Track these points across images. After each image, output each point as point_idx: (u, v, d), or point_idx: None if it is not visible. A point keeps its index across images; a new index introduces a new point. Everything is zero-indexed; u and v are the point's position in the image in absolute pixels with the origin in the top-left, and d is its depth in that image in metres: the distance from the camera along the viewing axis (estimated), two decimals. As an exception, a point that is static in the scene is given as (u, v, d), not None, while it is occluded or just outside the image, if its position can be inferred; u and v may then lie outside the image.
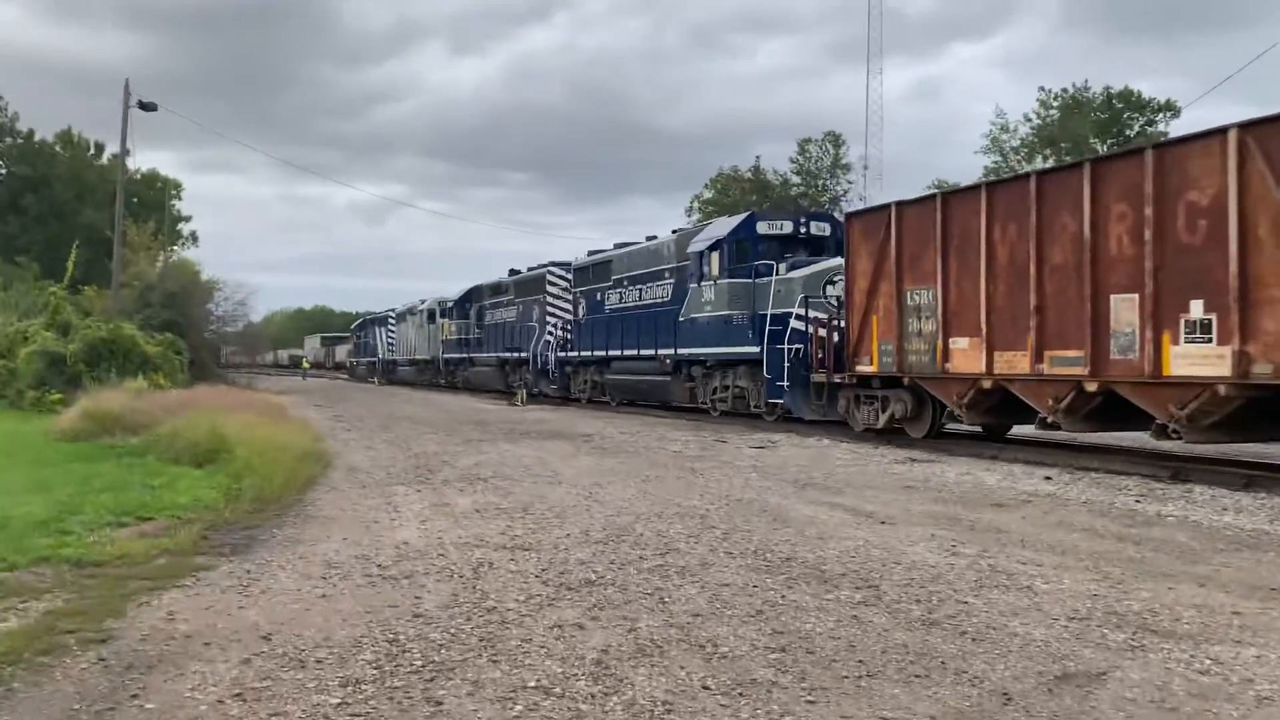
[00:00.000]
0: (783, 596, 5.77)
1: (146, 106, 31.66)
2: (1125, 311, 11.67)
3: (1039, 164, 46.13)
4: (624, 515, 8.56)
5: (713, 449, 14.71)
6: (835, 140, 60.54)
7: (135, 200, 56.17)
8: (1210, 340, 10.68)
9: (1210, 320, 10.69)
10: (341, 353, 75.97)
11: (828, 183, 60.73)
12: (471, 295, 39.88)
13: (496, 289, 36.75)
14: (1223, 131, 10.49)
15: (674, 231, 24.04)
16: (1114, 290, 11.81)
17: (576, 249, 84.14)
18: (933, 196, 14.87)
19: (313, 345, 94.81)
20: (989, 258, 13.61)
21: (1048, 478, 11.25)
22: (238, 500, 9.22)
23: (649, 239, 25.41)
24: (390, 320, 54.30)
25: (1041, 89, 59.95)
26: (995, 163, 52.74)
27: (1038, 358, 12.84)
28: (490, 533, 7.77)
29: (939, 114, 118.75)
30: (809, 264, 19.21)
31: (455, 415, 23.40)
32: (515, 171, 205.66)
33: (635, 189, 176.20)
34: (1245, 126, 10.33)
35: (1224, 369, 10.49)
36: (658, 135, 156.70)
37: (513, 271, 36.05)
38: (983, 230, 13.66)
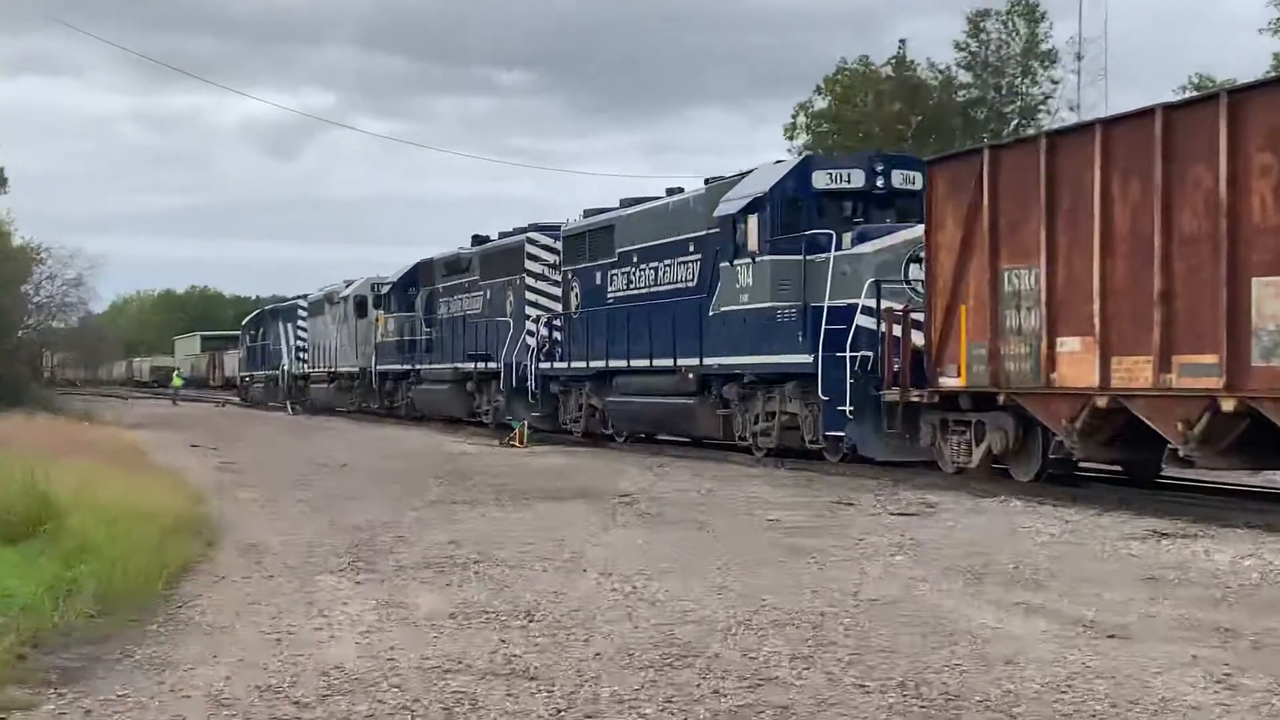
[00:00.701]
0: (955, 760, 5.77)
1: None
2: (1270, 301, 11.89)
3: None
4: (688, 623, 8.66)
5: (831, 517, 14.85)
6: (1030, 13, 59.59)
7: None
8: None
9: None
10: (233, 363, 77.00)
11: (1018, 81, 60.09)
12: (418, 275, 40.59)
13: (454, 265, 37.54)
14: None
15: (706, 182, 24.32)
16: (1257, 271, 12.07)
17: (608, 195, 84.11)
18: (1034, 139, 15.12)
19: (188, 351, 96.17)
20: (1104, 225, 13.87)
21: (1385, 561, 11.02)
22: (72, 597, 9.31)
23: (670, 192, 25.71)
24: (300, 312, 54.91)
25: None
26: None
27: (1164, 364, 13.15)
28: (474, 651, 7.90)
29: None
30: (885, 233, 19.78)
31: (413, 461, 23.66)
32: (507, 69, 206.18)
33: (701, 96, 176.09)
34: None
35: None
36: (735, 7, 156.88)
37: (477, 240, 36.47)
38: (1096, 186, 13.84)
